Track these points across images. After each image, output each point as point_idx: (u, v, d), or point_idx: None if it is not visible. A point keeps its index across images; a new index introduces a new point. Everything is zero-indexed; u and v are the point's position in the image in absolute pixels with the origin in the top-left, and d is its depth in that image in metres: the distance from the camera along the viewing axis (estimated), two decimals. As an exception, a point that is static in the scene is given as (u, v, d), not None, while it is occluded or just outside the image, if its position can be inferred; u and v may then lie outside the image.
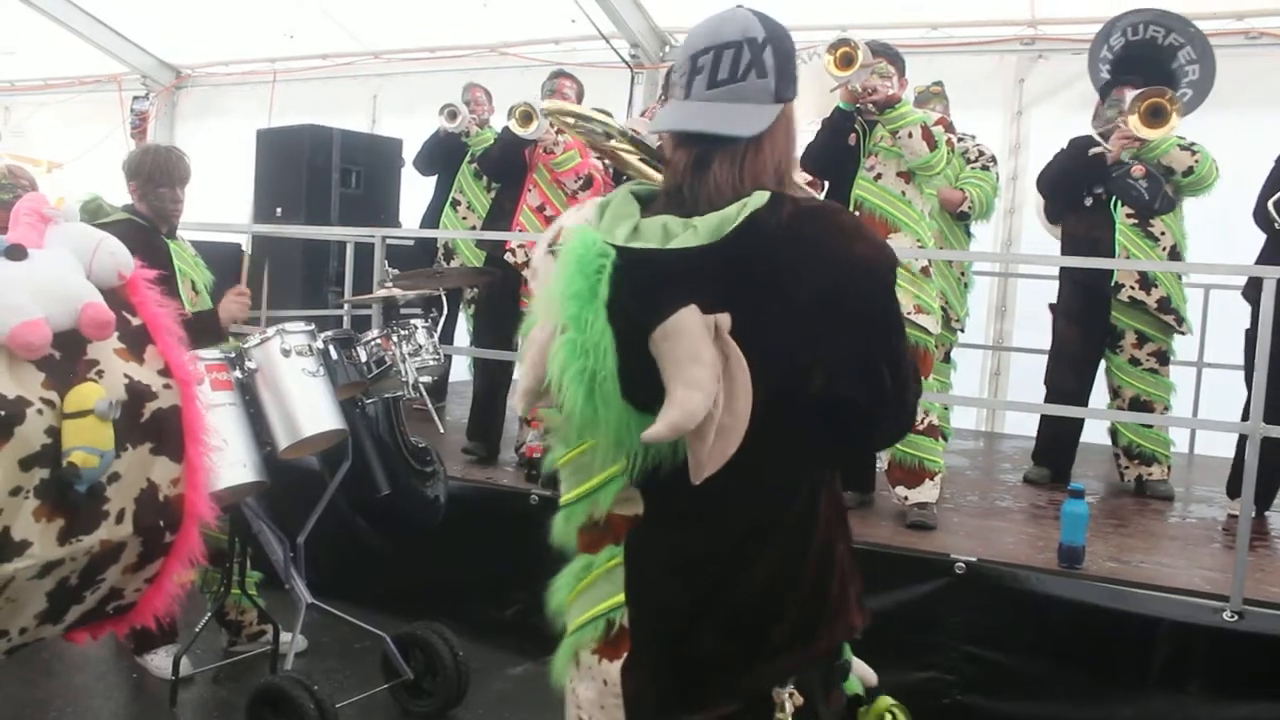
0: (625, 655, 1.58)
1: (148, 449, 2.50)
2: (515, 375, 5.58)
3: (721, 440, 1.41)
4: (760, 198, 1.47)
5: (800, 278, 1.44)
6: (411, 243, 6.72)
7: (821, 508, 1.58)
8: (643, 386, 1.44)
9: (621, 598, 1.58)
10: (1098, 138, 5.02)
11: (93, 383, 2.39)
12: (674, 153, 1.58)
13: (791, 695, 1.52)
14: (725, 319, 1.41)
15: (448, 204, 6.59)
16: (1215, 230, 5.49)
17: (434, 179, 6.78)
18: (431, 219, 6.69)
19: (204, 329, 3.78)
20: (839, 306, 1.46)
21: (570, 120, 1.92)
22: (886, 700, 1.69)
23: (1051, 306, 5.56)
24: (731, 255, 1.43)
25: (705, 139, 1.53)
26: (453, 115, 6.28)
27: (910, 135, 4.19)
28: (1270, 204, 4.37)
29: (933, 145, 4.21)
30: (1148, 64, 5.21)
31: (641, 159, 1.85)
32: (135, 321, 2.59)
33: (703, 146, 1.54)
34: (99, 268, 2.52)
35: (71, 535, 2.36)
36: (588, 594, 1.64)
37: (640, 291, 1.44)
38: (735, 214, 1.45)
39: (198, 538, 2.63)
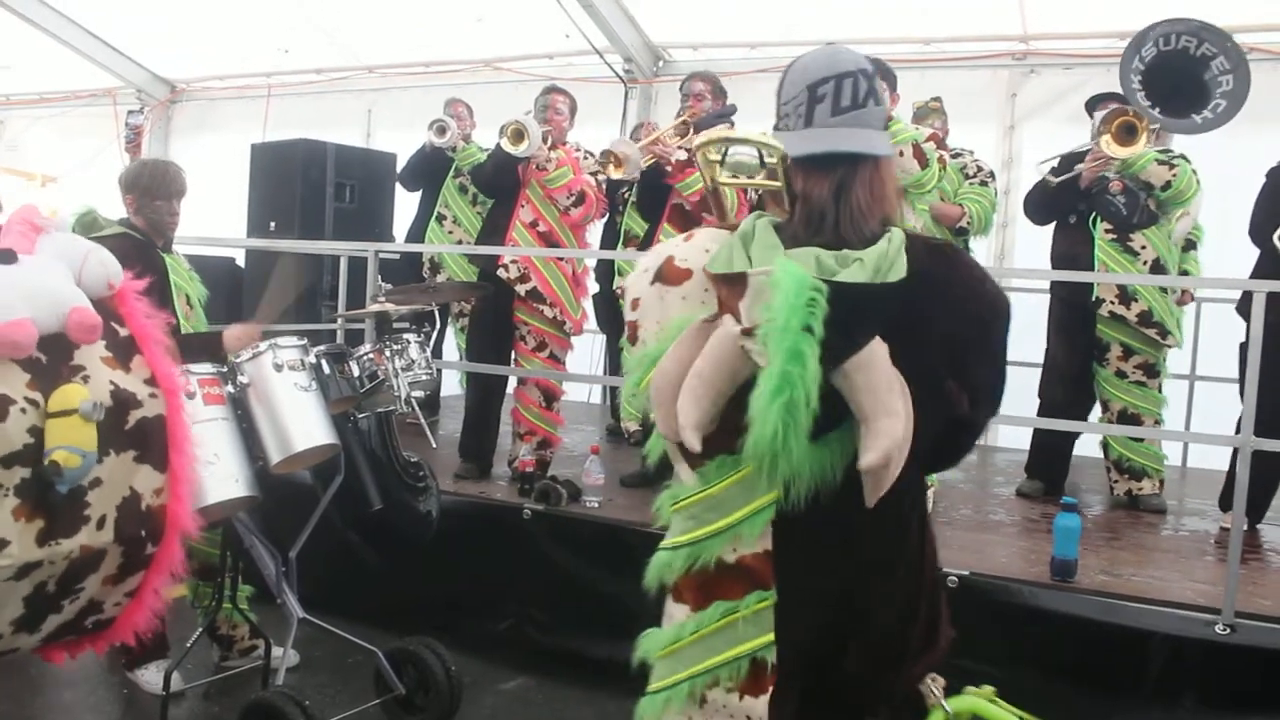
0: (771, 690, 1.64)
1: (131, 457, 2.51)
2: (509, 389, 5.59)
3: (898, 463, 1.50)
4: (901, 235, 1.57)
5: (942, 313, 1.56)
6: (398, 257, 6.73)
7: (928, 527, 1.71)
8: (822, 417, 1.49)
9: (769, 638, 1.64)
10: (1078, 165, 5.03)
11: (77, 384, 2.40)
12: (808, 181, 1.64)
13: (934, 679, 1.68)
14: (888, 349, 1.50)
15: (433, 219, 6.61)
16: (1207, 244, 5.52)
17: (411, 192, 6.80)
18: (417, 233, 6.71)
19: (205, 349, 3.77)
20: (972, 341, 1.59)
21: (715, 156, 1.85)
22: (987, 689, 1.87)
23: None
24: (895, 292, 1.52)
25: (841, 162, 1.61)
26: (441, 130, 6.30)
27: (901, 154, 4.19)
28: (1276, 237, 4.37)
29: (924, 163, 4.22)
30: (1179, 74, 5.20)
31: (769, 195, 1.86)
32: (123, 332, 2.60)
33: (842, 170, 1.62)
34: (88, 276, 2.53)
35: (51, 537, 2.35)
36: (719, 637, 1.67)
37: (840, 324, 1.49)
38: (892, 251, 1.54)
39: (180, 551, 2.63)
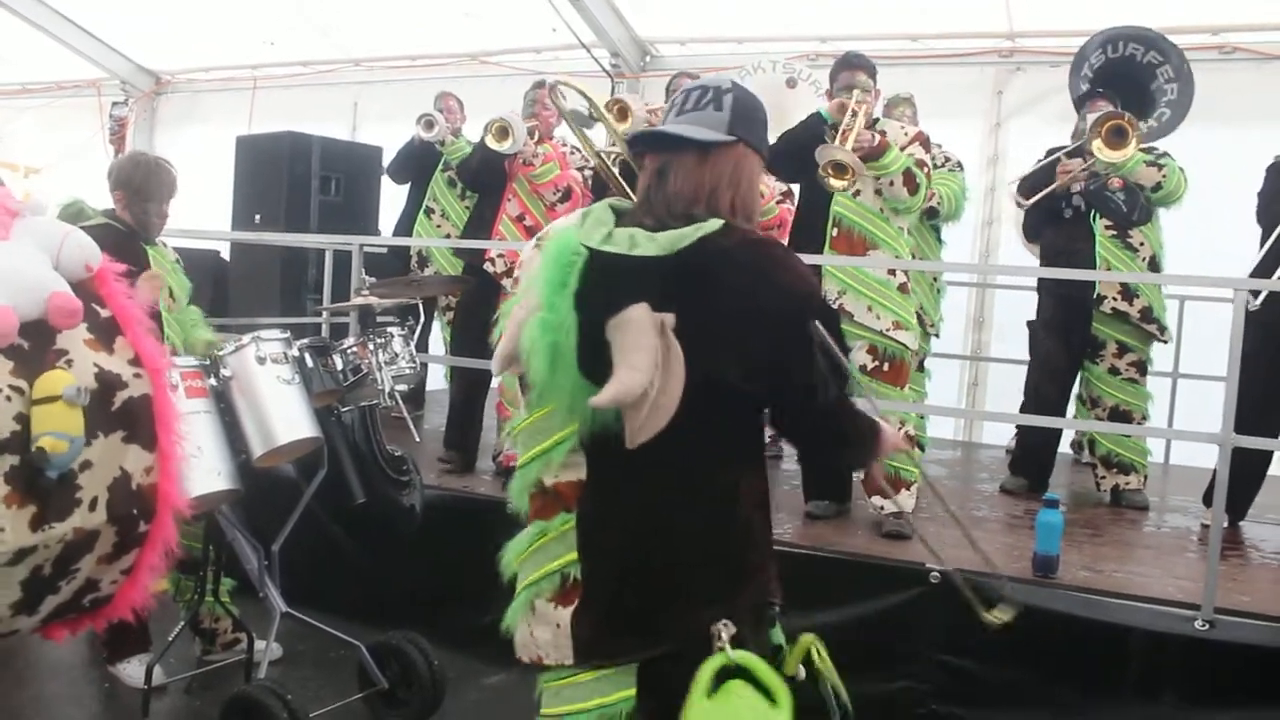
0: (576, 603, 1.89)
1: (119, 437, 2.51)
2: (493, 383, 5.58)
3: (654, 415, 1.71)
4: (714, 224, 1.78)
5: (730, 292, 1.76)
6: (386, 251, 6.71)
7: (743, 488, 1.85)
8: (597, 364, 1.74)
9: (574, 555, 1.91)
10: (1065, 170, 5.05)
11: (61, 370, 2.39)
12: (647, 165, 1.91)
13: (725, 626, 1.75)
14: (670, 318, 1.71)
15: (422, 212, 6.58)
16: (1193, 242, 5.54)
17: (399, 184, 6.78)
18: (405, 227, 6.69)
19: None
20: (757, 319, 1.76)
21: (564, 92, 2.31)
22: (808, 637, 1.91)
23: (1030, 324, 5.61)
24: (680, 267, 1.75)
25: (665, 148, 1.86)
26: (429, 125, 6.27)
27: (892, 184, 4.19)
28: None
29: (914, 190, 4.22)
30: (1126, 81, 5.25)
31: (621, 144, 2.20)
32: (104, 313, 2.60)
33: (665, 157, 1.86)
34: (66, 259, 2.52)
35: (44, 522, 2.36)
36: (542, 553, 1.99)
37: (602, 286, 1.76)
38: (690, 234, 1.76)
39: (172, 526, 2.63)
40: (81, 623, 2.74)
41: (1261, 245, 4.58)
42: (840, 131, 4.17)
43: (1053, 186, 5.00)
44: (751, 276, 1.77)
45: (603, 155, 2.53)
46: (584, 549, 1.88)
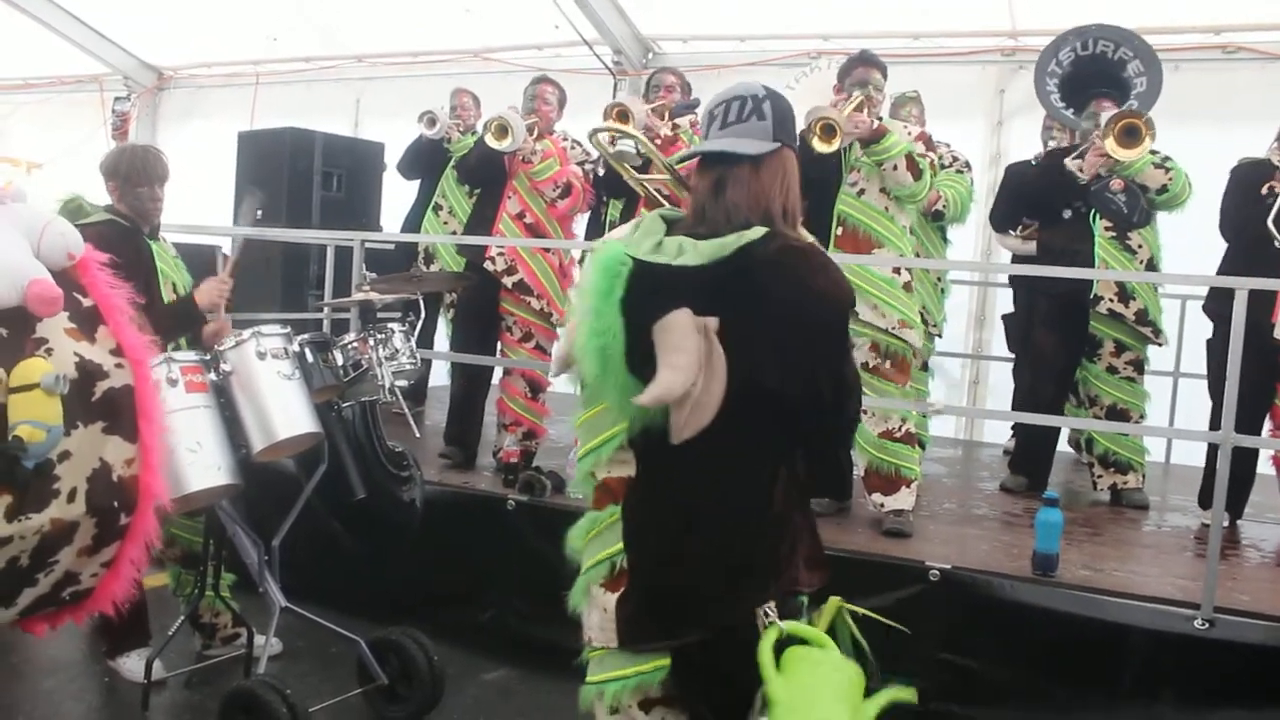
0: (623, 589, 1.98)
1: (100, 428, 2.49)
2: (494, 380, 5.59)
3: (697, 413, 1.82)
4: (757, 232, 1.88)
5: (771, 298, 1.87)
6: (393, 247, 6.71)
7: (779, 482, 1.95)
8: (644, 365, 1.85)
9: (621, 545, 1.99)
10: (1067, 163, 5.04)
11: (39, 358, 2.37)
12: (698, 180, 2.03)
13: (769, 609, 1.89)
14: (713, 321, 1.82)
15: (430, 208, 6.57)
16: (1191, 243, 5.52)
17: (415, 182, 6.77)
18: (414, 223, 6.67)
19: (183, 314, 3.77)
20: (795, 324, 1.88)
21: (605, 138, 2.42)
22: (835, 600, 2.03)
23: (1005, 318, 5.61)
24: (722, 274, 1.86)
25: (719, 163, 1.99)
26: (431, 122, 6.25)
27: (895, 168, 4.18)
28: (1269, 222, 4.39)
29: (917, 175, 4.21)
30: (1099, 79, 5.26)
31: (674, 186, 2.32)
32: (86, 302, 2.58)
33: (718, 171, 1.99)
34: (47, 248, 2.50)
35: (20, 513, 2.34)
36: (596, 541, 2.05)
37: (647, 293, 1.87)
38: (733, 242, 1.87)
39: (154, 520, 2.61)
40: (61, 616, 2.72)
41: (1226, 253, 4.65)
42: (834, 103, 4.21)
43: (1074, 167, 4.99)
44: (792, 283, 1.88)
45: (645, 184, 2.66)
46: (628, 538, 1.98)
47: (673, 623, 1.92)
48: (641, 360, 1.86)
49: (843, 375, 1.97)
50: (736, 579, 1.91)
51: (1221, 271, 4.65)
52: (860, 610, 2.07)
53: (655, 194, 2.31)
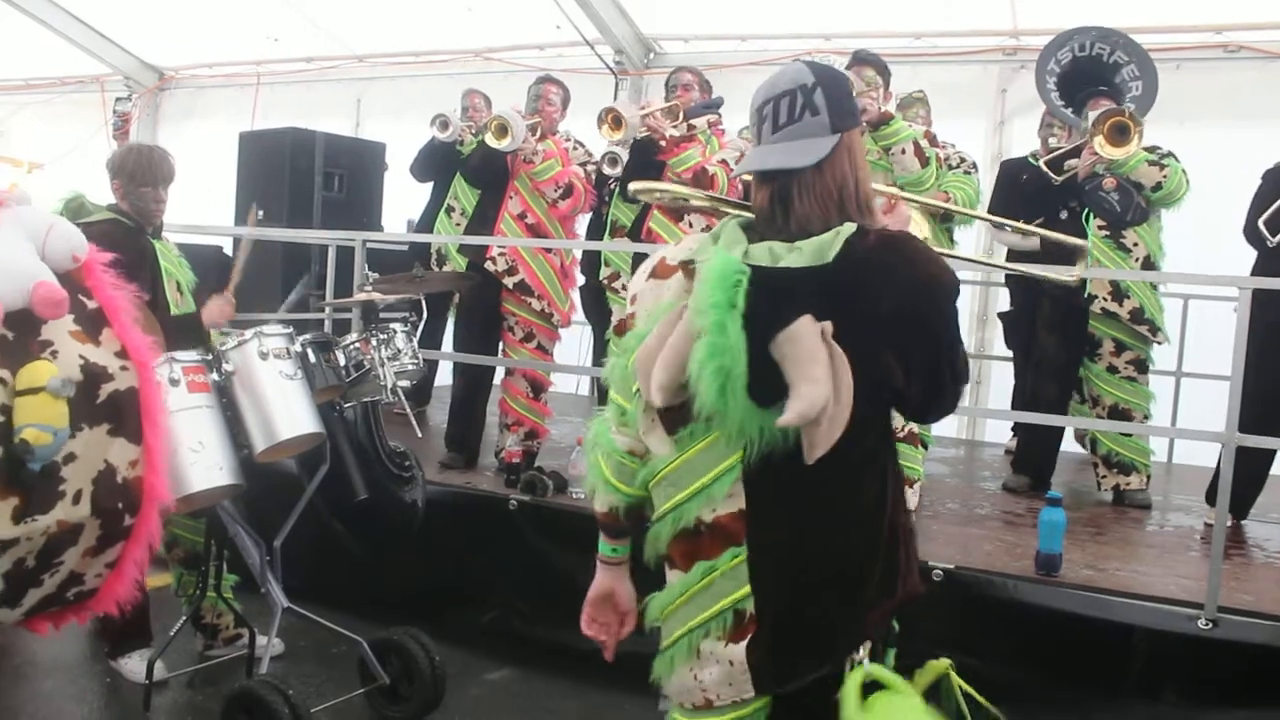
0: (750, 636, 1.83)
1: (105, 430, 2.49)
2: (495, 380, 5.58)
3: (831, 427, 1.70)
4: (850, 228, 1.76)
5: (884, 295, 1.75)
6: (406, 248, 6.70)
7: (891, 486, 1.87)
8: (764, 384, 1.72)
9: (746, 590, 1.82)
10: (1041, 166, 5.04)
11: (45, 361, 2.37)
12: (757, 192, 1.88)
13: (864, 645, 1.82)
14: (829, 326, 1.70)
15: (442, 210, 6.55)
16: (1195, 241, 5.52)
17: (418, 183, 6.75)
18: (427, 224, 6.63)
19: (187, 329, 3.77)
20: (914, 318, 1.77)
21: (658, 195, 2.31)
22: (943, 663, 1.96)
23: (1001, 315, 5.59)
24: (833, 274, 1.73)
25: (779, 175, 1.83)
26: (444, 126, 6.20)
27: (903, 152, 4.20)
28: (1261, 222, 4.39)
29: (924, 161, 4.23)
30: (1094, 80, 5.26)
31: (724, 205, 2.13)
32: (91, 304, 2.57)
33: (780, 182, 1.84)
34: (52, 250, 2.50)
35: (26, 515, 2.34)
36: (706, 594, 1.86)
37: (766, 303, 1.73)
38: (833, 240, 1.74)
39: (158, 521, 2.61)
40: (65, 616, 2.72)
41: (1258, 258, 4.60)
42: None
43: (1070, 166, 4.99)
44: (904, 277, 1.77)
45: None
46: (755, 578, 1.83)
47: (815, 654, 1.82)
48: (761, 379, 1.72)
49: (957, 357, 1.85)
50: (869, 594, 1.83)
51: (1255, 273, 4.59)
52: (964, 685, 1.96)
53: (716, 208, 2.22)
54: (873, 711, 1.73)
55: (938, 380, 1.83)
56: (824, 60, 5.56)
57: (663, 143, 4.95)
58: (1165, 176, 4.85)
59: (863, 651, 1.80)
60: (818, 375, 1.68)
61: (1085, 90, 5.20)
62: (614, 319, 5.38)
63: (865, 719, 1.72)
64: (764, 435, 1.75)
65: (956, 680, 1.95)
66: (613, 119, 5.07)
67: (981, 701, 1.99)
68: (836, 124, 1.84)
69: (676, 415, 1.85)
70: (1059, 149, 5.24)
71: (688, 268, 1.86)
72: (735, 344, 1.71)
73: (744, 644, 1.83)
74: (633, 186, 2.15)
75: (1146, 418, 5.11)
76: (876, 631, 1.86)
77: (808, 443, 1.72)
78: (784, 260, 1.75)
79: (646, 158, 5.06)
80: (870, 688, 1.76)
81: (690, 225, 5.05)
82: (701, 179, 4.87)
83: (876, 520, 1.84)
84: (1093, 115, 4.90)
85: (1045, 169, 5.11)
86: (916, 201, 2.33)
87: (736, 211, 1.98)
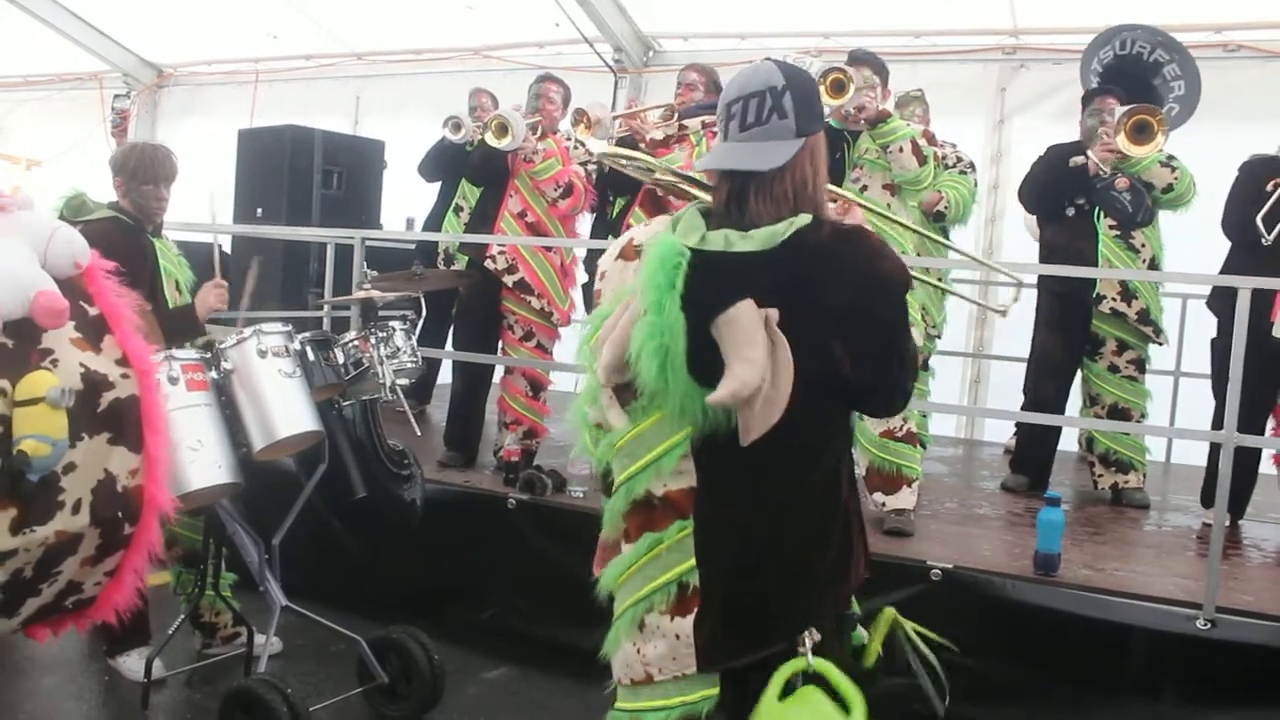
0: (695, 611, 1.87)
1: (105, 439, 2.48)
2: (495, 378, 5.58)
3: (766, 410, 1.74)
4: (804, 219, 1.81)
5: (834, 286, 1.79)
6: (413, 247, 6.69)
7: (844, 474, 1.92)
8: (705, 364, 1.76)
9: (691, 563, 1.88)
10: (1089, 155, 5.01)
11: (45, 371, 2.36)
12: (718, 184, 1.94)
13: (810, 633, 1.83)
14: (774, 313, 1.74)
15: (451, 209, 6.55)
16: (1193, 241, 5.52)
17: (430, 183, 6.75)
18: (434, 223, 6.64)
19: (182, 323, 3.77)
20: (865, 310, 1.80)
21: (623, 161, 2.35)
22: (889, 611, 2.03)
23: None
24: (780, 262, 1.78)
25: (739, 174, 1.88)
26: (457, 127, 6.18)
27: (901, 150, 4.21)
28: (1259, 219, 4.38)
29: (922, 160, 4.23)
30: (1130, 79, 5.24)
31: (689, 185, 2.21)
32: (93, 311, 2.56)
33: (739, 180, 1.88)
34: (54, 256, 2.49)
35: (25, 526, 2.33)
36: (653, 565, 1.92)
37: (707, 286, 1.77)
38: (784, 230, 1.79)
39: (158, 530, 2.60)
40: (64, 623, 2.71)
41: (1231, 252, 4.62)
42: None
43: (1082, 160, 4.95)
44: (852, 269, 1.80)
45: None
46: (701, 554, 1.87)
47: (761, 633, 1.84)
48: (701, 359, 1.77)
49: (906, 350, 1.89)
50: (818, 577, 1.86)
51: (1224, 270, 4.64)
52: (912, 626, 2.02)
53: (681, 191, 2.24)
54: (793, 705, 1.75)
55: (886, 372, 1.87)
56: (792, 60, 5.58)
57: (642, 145, 4.95)
58: (1176, 178, 4.85)
59: (810, 637, 1.82)
60: (753, 357, 1.71)
61: (1107, 87, 5.19)
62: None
63: (778, 708, 1.75)
64: (706, 414, 1.80)
65: (905, 625, 2.02)
66: (585, 120, 5.10)
67: (934, 638, 2.10)
68: (802, 128, 1.88)
69: (629, 389, 1.90)
70: (1059, 145, 5.21)
71: (622, 256, 1.97)
72: (673, 323, 1.75)
73: (689, 618, 1.87)
74: (599, 149, 2.21)
75: (1144, 416, 5.12)
76: (828, 616, 1.88)
77: (742, 425, 1.76)
78: (736, 246, 1.80)
79: None
80: (809, 679, 1.78)
81: None
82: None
83: (827, 505, 1.88)
84: (1118, 112, 4.88)
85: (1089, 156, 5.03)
86: (864, 207, 2.34)
87: (699, 193, 2.06)
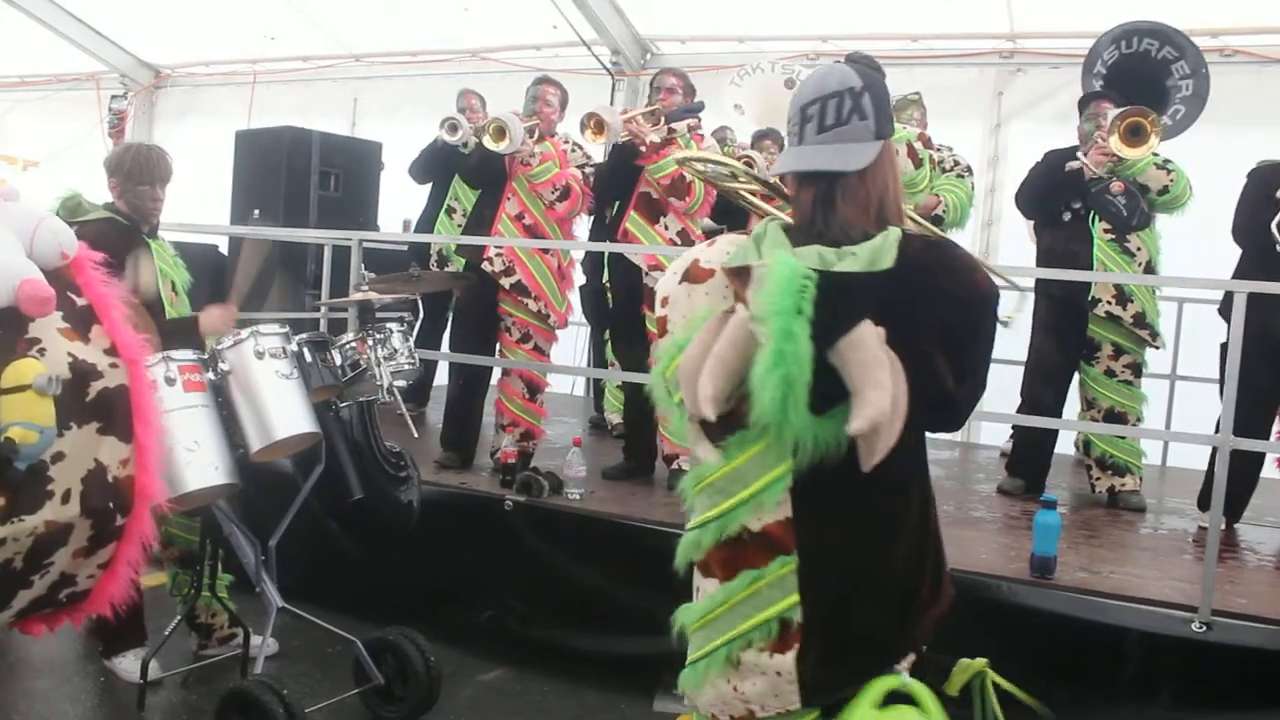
0: (797, 646, 1.81)
1: (94, 428, 2.47)
2: (492, 380, 5.58)
3: (888, 432, 1.67)
4: (897, 233, 1.75)
5: (933, 301, 1.73)
6: (406, 248, 6.69)
7: (929, 496, 1.89)
8: (821, 391, 1.67)
9: (794, 599, 1.81)
10: (1081, 157, 5.02)
11: (31, 359, 2.35)
12: (799, 192, 1.86)
13: (907, 658, 1.83)
14: (883, 331, 1.67)
15: (443, 211, 6.55)
16: (1190, 245, 5.53)
17: (420, 184, 6.75)
18: (426, 225, 6.64)
19: (183, 333, 3.76)
20: (967, 324, 1.77)
21: (700, 166, 2.23)
22: (979, 662, 1.99)
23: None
24: (889, 280, 1.70)
25: (824, 177, 1.81)
26: (454, 129, 6.18)
27: (896, 153, 4.21)
28: (1274, 225, 4.38)
29: (917, 163, 4.23)
30: (1139, 79, 5.23)
31: (762, 195, 2.12)
32: (81, 301, 2.55)
33: (824, 184, 1.81)
34: (40, 246, 2.48)
35: (13, 514, 2.32)
36: (750, 603, 1.84)
37: (831, 308, 1.67)
38: (885, 246, 1.72)
39: (150, 521, 2.59)
40: (59, 618, 2.70)
41: (1242, 259, 4.60)
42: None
43: (1078, 164, 4.96)
44: (957, 283, 1.77)
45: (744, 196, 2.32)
46: (805, 588, 1.81)
47: (864, 664, 1.81)
48: (820, 387, 1.67)
49: (985, 366, 1.85)
50: (917, 603, 1.84)
51: (1236, 275, 4.61)
52: (1002, 682, 1.97)
53: (752, 205, 2.14)
54: (883, 715, 1.74)
55: (978, 384, 1.82)
56: (768, 63, 5.56)
57: (643, 148, 4.96)
58: (1172, 180, 4.85)
59: (905, 662, 1.81)
60: (883, 380, 1.64)
61: (1103, 91, 5.19)
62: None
63: (872, 714, 1.73)
64: (816, 443, 1.72)
65: (993, 678, 1.97)
66: (595, 124, 5.09)
67: (1023, 698, 2.02)
68: (881, 130, 1.85)
69: (721, 423, 1.80)
70: (1055, 150, 5.22)
71: (735, 273, 1.81)
72: (803, 352, 1.65)
73: (790, 655, 1.81)
74: (679, 155, 2.12)
75: (1139, 420, 5.12)
76: (922, 642, 1.87)
77: (866, 449, 1.68)
78: (837, 265, 1.71)
79: (625, 161, 5.07)
80: (897, 697, 1.76)
81: (665, 228, 5.06)
82: (679, 185, 4.88)
83: (922, 531, 1.86)
84: (1109, 110, 4.89)
85: (1083, 160, 5.03)
86: None
87: (761, 203, 1.97)
